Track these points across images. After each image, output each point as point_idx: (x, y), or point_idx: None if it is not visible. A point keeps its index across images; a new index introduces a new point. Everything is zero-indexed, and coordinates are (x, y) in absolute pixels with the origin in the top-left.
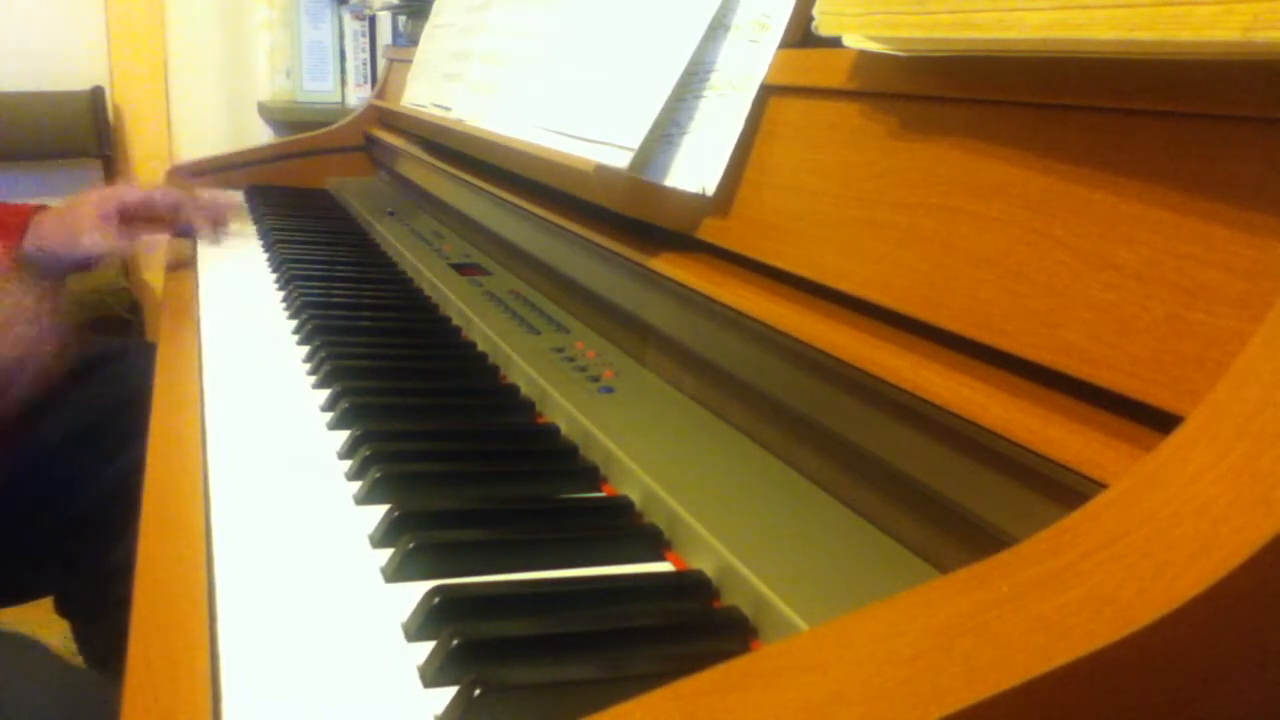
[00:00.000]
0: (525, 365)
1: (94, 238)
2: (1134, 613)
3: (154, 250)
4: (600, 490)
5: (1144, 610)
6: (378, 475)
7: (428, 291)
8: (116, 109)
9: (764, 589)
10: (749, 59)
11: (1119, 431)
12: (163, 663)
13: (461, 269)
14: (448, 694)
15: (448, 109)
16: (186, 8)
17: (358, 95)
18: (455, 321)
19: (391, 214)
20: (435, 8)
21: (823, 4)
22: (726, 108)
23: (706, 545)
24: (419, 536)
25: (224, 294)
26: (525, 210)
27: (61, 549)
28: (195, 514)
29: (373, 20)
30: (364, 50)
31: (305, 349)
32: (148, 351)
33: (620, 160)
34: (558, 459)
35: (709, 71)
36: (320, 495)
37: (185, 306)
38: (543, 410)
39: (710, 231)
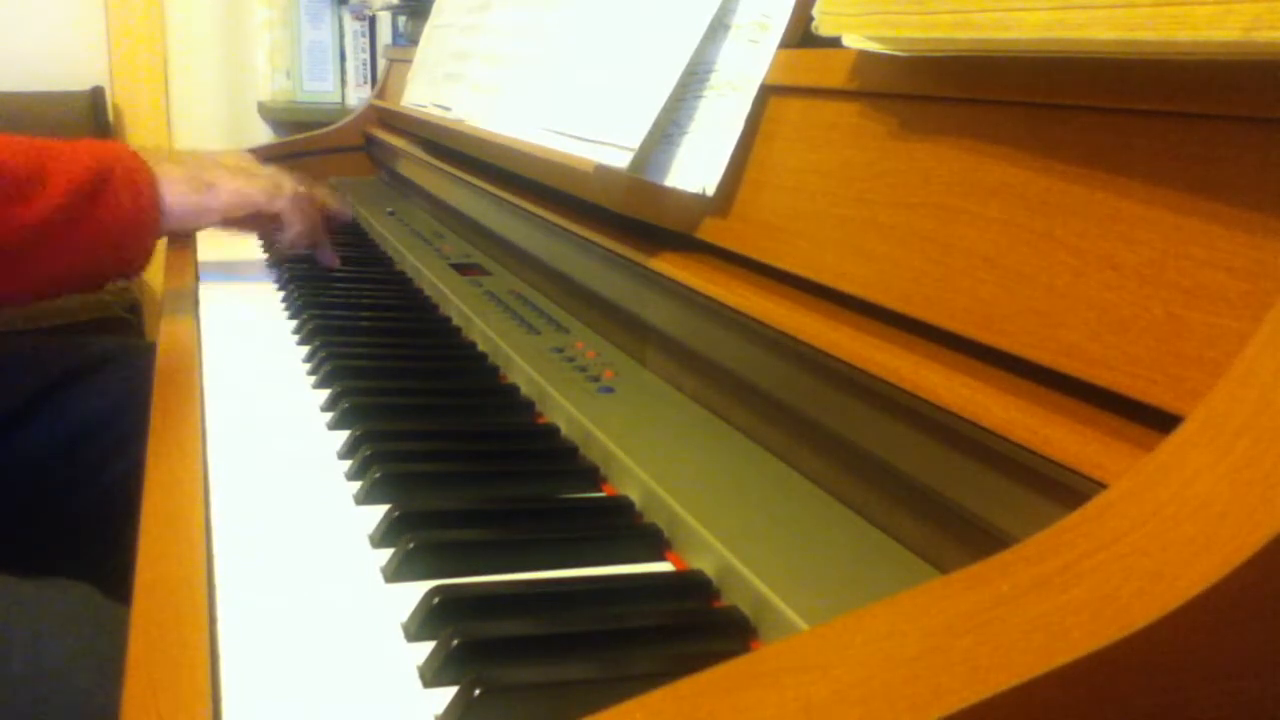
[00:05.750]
0: (525, 365)
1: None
2: (1134, 613)
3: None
4: (600, 490)
5: (1144, 610)
6: (378, 475)
7: (428, 291)
8: (116, 109)
9: (764, 589)
10: (749, 59)
11: (1119, 431)
12: (163, 663)
13: (461, 269)
14: (448, 694)
15: (448, 109)
16: (186, 8)
17: (358, 95)
18: (455, 321)
19: (391, 214)
20: (435, 8)
21: (823, 4)
22: (726, 108)
23: (706, 545)
24: (419, 536)
25: (224, 294)
26: (525, 210)
27: (60, 548)
28: (195, 514)
29: (373, 20)
30: (364, 50)
31: (305, 349)
32: (147, 353)
33: (620, 160)
34: (558, 459)
35: (709, 71)
36: (320, 495)
37: (185, 305)
38: (543, 410)
39: (710, 231)
